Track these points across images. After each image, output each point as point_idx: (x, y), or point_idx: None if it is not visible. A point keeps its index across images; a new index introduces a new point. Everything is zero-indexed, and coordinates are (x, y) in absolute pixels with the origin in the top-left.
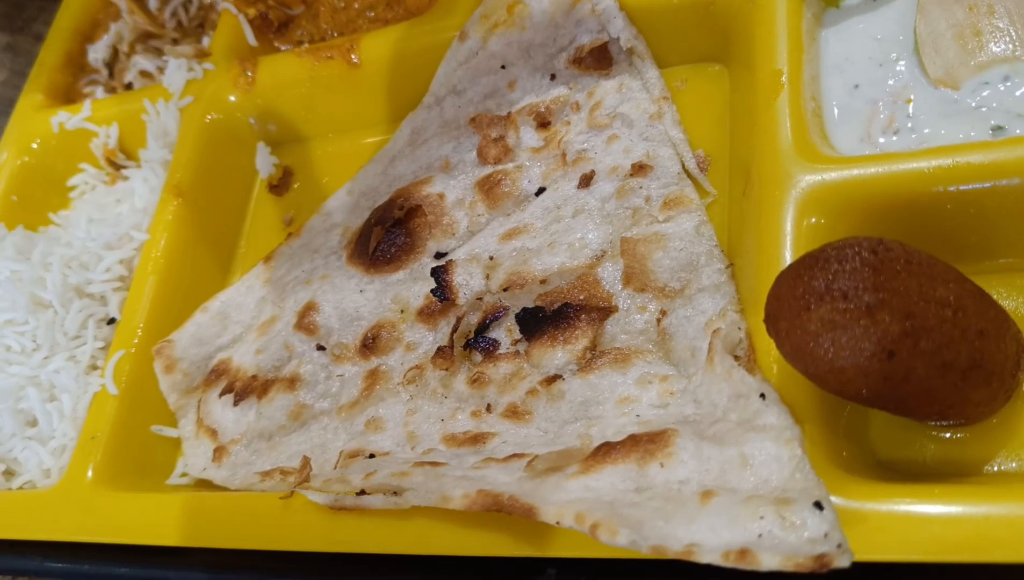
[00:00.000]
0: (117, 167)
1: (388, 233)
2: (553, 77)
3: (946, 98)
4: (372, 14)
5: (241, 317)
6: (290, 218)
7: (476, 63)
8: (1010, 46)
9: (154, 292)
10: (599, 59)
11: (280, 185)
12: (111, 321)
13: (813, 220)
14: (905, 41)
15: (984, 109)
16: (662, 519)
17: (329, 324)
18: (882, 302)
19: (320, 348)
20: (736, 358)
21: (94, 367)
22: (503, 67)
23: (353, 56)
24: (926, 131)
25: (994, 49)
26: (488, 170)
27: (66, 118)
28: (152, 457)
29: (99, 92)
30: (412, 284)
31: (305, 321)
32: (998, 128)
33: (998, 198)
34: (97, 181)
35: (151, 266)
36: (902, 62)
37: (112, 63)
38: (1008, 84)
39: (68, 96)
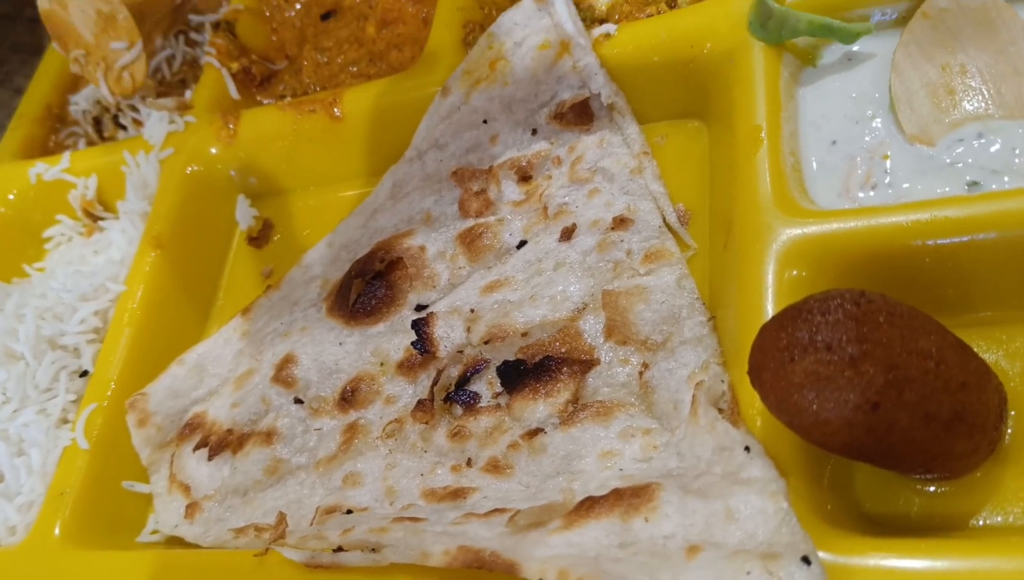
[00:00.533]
0: (95, 218)
1: (368, 285)
2: (535, 132)
3: (922, 154)
4: (355, 69)
5: (218, 370)
6: (269, 270)
7: (458, 118)
8: (983, 104)
9: (129, 344)
10: (580, 114)
11: (260, 237)
12: (84, 374)
13: (794, 272)
14: (880, 99)
15: (959, 165)
16: (647, 575)
17: (307, 377)
18: (865, 353)
19: (298, 401)
20: (719, 411)
21: (65, 421)
22: (485, 122)
23: (336, 110)
24: (904, 186)
25: (967, 107)
26: (469, 223)
27: (44, 169)
28: (122, 514)
29: (80, 144)
30: (392, 337)
31: (283, 374)
32: (973, 183)
33: (975, 252)
34: (73, 232)
35: (127, 318)
36: (878, 119)
37: (99, 117)
38: (982, 141)
39: (46, 148)
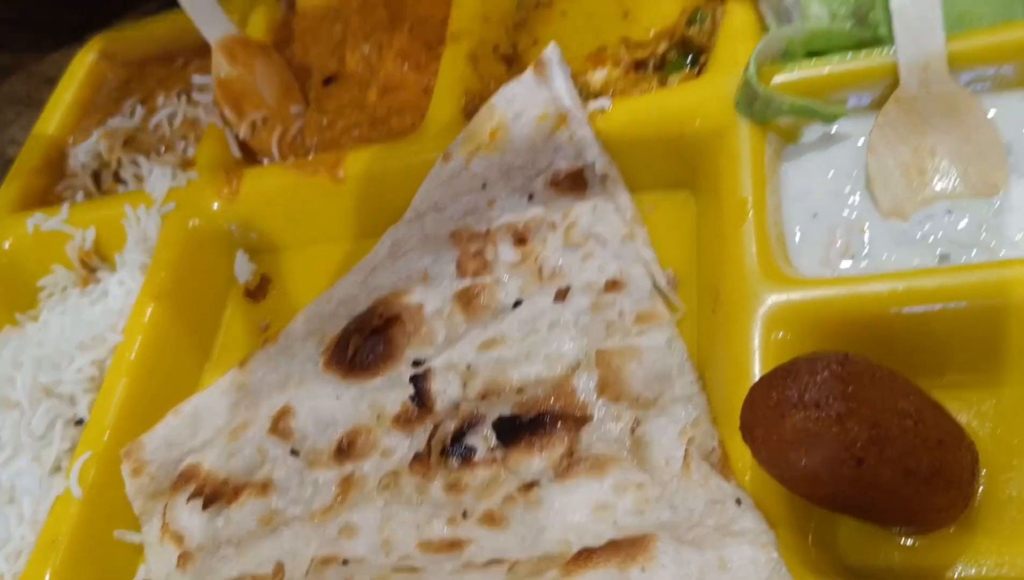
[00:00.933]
0: (91, 270)
1: (366, 340)
2: (531, 197)
3: (896, 228)
4: (356, 132)
5: (214, 421)
6: (266, 324)
7: (458, 182)
8: (950, 184)
9: (125, 394)
10: (575, 182)
11: (257, 292)
12: (79, 422)
13: (780, 335)
14: (858, 176)
15: (931, 239)
16: None
17: (304, 429)
18: (851, 411)
19: (294, 453)
20: (710, 466)
21: (58, 469)
22: (484, 187)
23: (339, 171)
24: (881, 257)
25: (937, 186)
26: (467, 283)
27: (42, 220)
28: (113, 563)
29: (78, 196)
30: (389, 391)
31: (280, 426)
32: (944, 256)
33: (947, 319)
34: (68, 282)
35: (124, 367)
36: (856, 195)
37: (98, 171)
38: (951, 217)
39: (44, 199)
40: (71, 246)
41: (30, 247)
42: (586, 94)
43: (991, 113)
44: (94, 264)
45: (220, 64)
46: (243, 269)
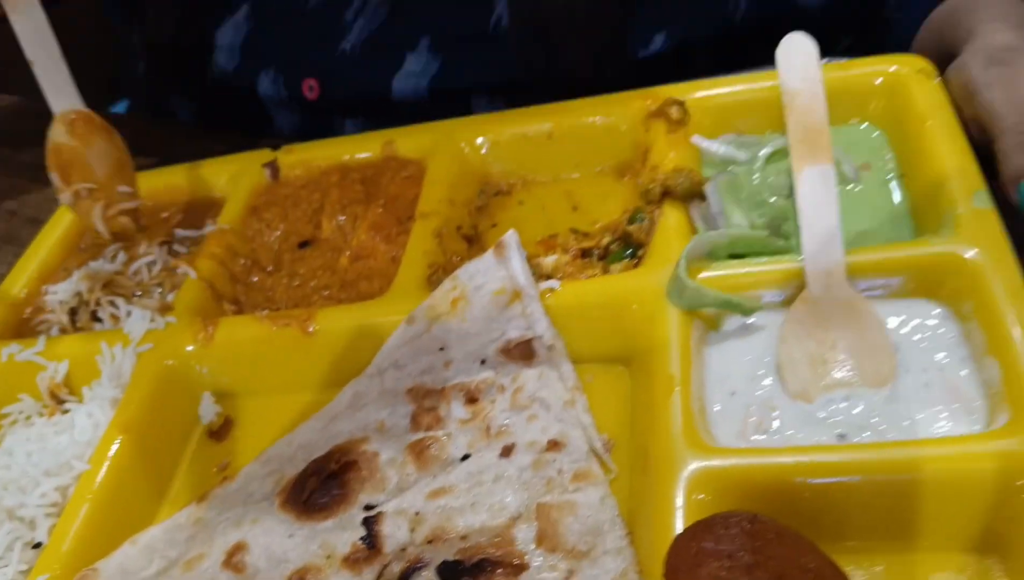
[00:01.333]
0: (59, 401)
1: (323, 483)
2: (483, 362)
3: (803, 410)
4: (327, 293)
5: (169, 552)
6: (225, 464)
7: (419, 343)
8: (848, 374)
9: (85, 520)
10: (524, 351)
11: (219, 432)
12: (37, 545)
13: (700, 496)
14: (770, 362)
15: (831, 420)
16: None
17: (257, 564)
18: (759, 563)
19: None
20: None
21: None
22: (441, 349)
23: (310, 326)
24: (788, 433)
25: (837, 375)
26: (420, 435)
27: (17, 350)
28: None
29: (54, 331)
30: (341, 532)
31: (233, 560)
32: (842, 435)
33: (844, 491)
34: (32, 411)
35: (87, 494)
36: (768, 378)
37: (75, 309)
38: (848, 402)
39: (19, 332)
40: (42, 377)
41: (1, 375)
42: (538, 274)
43: (888, 319)
44: (62, 396)
45: (58, 132)
46: (208, 410)
